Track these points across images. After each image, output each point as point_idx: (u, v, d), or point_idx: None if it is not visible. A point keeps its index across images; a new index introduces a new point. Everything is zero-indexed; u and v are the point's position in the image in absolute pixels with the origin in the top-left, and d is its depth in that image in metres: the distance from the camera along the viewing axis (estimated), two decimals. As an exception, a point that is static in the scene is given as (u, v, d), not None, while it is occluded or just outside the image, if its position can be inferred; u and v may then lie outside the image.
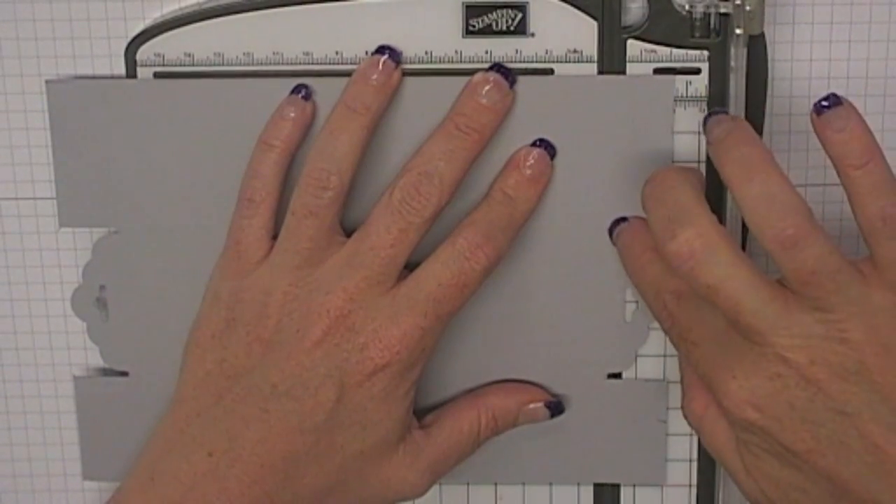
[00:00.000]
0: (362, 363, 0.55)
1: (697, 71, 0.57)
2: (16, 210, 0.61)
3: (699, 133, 0.58)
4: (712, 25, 0.57)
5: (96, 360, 0.62)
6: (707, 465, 0.62)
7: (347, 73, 0.57)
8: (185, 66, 0.58)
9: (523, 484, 0.63)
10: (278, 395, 0.56)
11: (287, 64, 0.58)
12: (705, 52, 0.57)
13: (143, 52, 0.58)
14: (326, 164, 0.56)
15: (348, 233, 0.57)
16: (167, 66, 0.58)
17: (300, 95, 0.57)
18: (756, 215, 0.51)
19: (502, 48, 0.57)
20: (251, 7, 0.57)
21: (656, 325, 0.59)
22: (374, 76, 0.57)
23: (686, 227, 0.52)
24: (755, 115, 0.58)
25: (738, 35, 0.56)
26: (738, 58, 0.57)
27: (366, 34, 0.57)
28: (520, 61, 0.57)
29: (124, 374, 0.61)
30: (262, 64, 0.58)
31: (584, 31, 0.57)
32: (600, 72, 0.57)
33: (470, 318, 0.59)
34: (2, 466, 0.64)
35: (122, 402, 0.61)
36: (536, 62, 0.57)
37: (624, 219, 0.58)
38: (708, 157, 0.57)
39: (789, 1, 0.57)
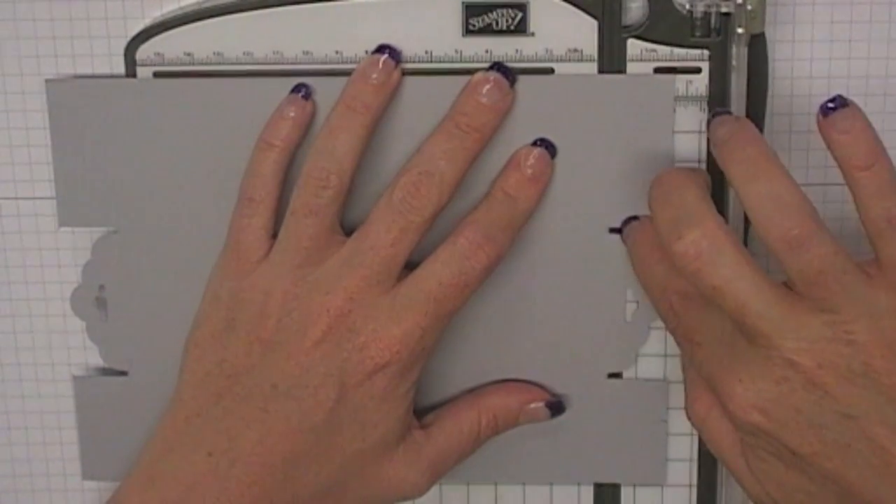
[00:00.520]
0: (362, 363, 0.55)
1: (698, 70, 0.57)
2: (15, 210, 0.61)
3: (700, 132, 0.58)
4: (713, 25, 0.57)
5: (95, 360, 0.62)
6: (708, 466, 0.62)
7: (347, 73, 0.57)
8: (184, 65, 0.58)
9: (523, 484, 0.63)
10: (278, 394, 0.56)
11: (287, 63, 0.58)
12: (706, 52, 0.57)
13: (143, 52, 0.58)
14: (326, 164, 0.56)
15: (348, 233, 0.57)
16: (167, 65, 0.58)
17: (300, 95, 0.57)
18: (761, 215, 0.51)
19: (502, 48, 0.57)
20: (251, 6, 0.57)
21: (657, 324, 0.59)
22: (374, 75, 0.57)
23: (692, 228, 0.52)
24: (756, 114, 0.58)
25: (738, 34, 0.56)
26: (738, 57, 0.57)
27: (366, 33, 0.57)
28: (520, 61, 0.57)
29: (123, 373, 0.61)
30: (261, 63, 0.58)
31: (584, 31, 0.57)
32: (600, 71, 0.57)
33: (470, 318, 0.59)
34: (1, 466, 0.64)
35: (121, 402, 0.61)
36: (536, 62, 0.57)
37: (635, 217, 0.58)
38: (709, 157, 0.57)
39: (790, 0, 0.57)
